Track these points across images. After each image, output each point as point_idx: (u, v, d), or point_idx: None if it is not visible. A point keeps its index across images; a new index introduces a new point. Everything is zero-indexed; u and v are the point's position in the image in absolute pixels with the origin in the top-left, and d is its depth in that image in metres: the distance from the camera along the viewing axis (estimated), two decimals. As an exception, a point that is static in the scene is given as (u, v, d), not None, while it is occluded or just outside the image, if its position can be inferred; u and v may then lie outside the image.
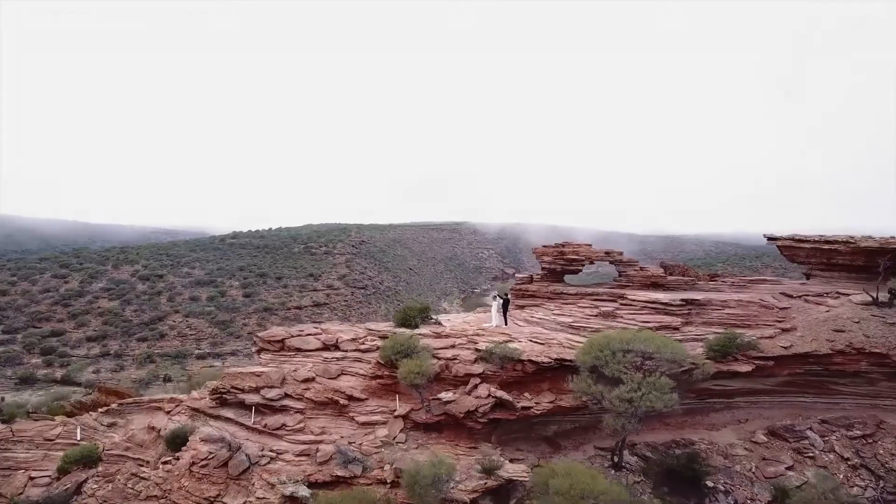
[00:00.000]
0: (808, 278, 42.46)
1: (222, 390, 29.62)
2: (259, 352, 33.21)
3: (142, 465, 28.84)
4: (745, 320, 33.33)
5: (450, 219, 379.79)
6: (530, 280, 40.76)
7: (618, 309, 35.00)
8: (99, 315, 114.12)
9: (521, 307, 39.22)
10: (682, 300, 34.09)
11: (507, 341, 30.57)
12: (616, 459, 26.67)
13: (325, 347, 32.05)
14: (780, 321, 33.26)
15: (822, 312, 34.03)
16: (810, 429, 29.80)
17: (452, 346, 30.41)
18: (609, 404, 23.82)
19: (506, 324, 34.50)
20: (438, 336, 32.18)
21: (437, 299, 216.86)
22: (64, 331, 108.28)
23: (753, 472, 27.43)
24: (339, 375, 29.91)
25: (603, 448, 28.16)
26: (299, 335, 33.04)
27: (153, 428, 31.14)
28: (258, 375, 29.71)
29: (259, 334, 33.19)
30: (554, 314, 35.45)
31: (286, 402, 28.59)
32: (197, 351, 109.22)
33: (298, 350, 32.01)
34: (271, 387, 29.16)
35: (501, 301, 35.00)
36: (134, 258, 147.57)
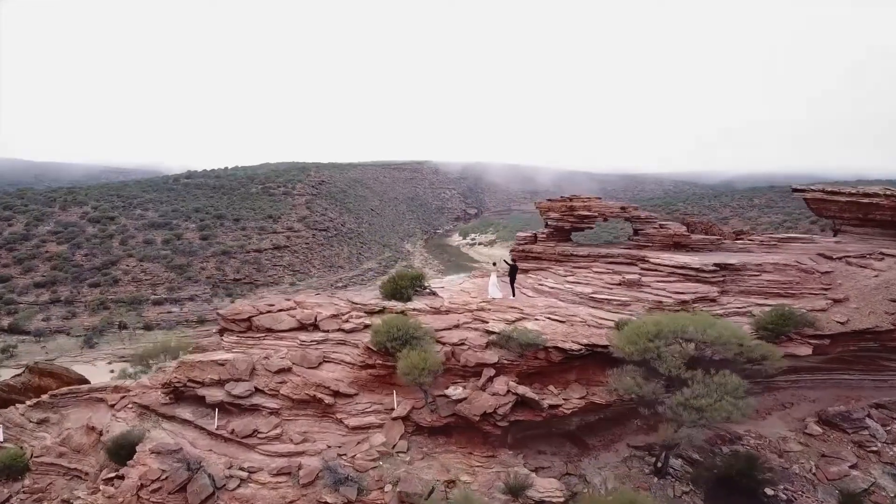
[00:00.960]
0: (835, 234, 38.35)
1: (177, 384, 24.18)
2: (221, 332, 27.70)
3: (79, 479, 23.49)
4: (787, 288, 28.96)
5: (411, 157, 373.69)
6: (534, 239, 35.64)
7: (642, 276, 30.27)
8: (47, 260, 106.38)
9: (525, 271, 34.22)
10: (715, 265, 29.48)
11: (519, 318, 25.67)
12: (660, 465, 22.30)
13: (302, 327, 26.70)
14: (826, 289, 28.98)
15: (871, 278, 29.84)
16: (868, 416, 25.92)
17: (457, 326, 25.39)
18: (670, 412, 19.18)
19: (513, 295, 29.53)
20: (437, 312, 27.09)
21: (401, 240, 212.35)
22: (9, 276, 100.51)
23: (814, 474, 23.45)
24: (320, 364, 24.69)
25: (638, 447, 23.78)
26: (269, 311, 27.56)
27: (93, 428, 25.65)
28: (221, 364, 24.31)
29: (221, 311, 27.55)
30: (568, 282, 30.54)
31: (257, 399, 23.35)
32: (153, 296, 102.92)
33: (269, 331, 26.60)
34: (238, 380, 23.82)
35: (508, 266, 29.94)
36: (83, 199, 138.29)
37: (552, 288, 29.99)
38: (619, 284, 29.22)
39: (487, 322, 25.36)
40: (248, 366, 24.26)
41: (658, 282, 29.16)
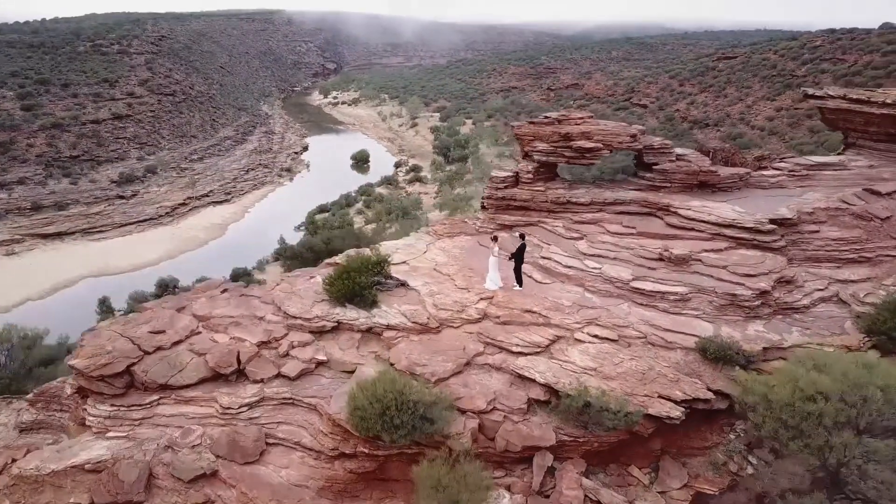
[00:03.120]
0: (845, 147, 32.32)
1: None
2: (82, 396, 17.30)
3: None
4: (858, 250, 22.43)
5: (260, 6, 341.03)
6: (515, 181, 26.44)
7: (675, 237, 22.59)
8: None
9: (508, 227, 25.44)
10: (771, 220, 22.23)
11: (553, 340, 17.45)
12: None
13: (218, 376, 16.94)
14: (901, 246, 22.79)
15: (941, 224, 23.99)
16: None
17: (467, 365, 16.80)
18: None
19: (520, 284, 20.88)
20: (426, 330, 18.27)
21: (257, 102, 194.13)
22: None
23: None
24: (262, 454, 15.38)
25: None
26: (160, 349, 17.36)
27: None
28: (93, 472, 14.47)
29: (74, 362, 16.77)
30: (586, 254, 22.17)
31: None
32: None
33: (166, 388, 16.61)
34: (127, 505, 14.13)
35: (518, 244, 20.96)
36: None
37: (569, 267, 21.59)
38: (659, 259, 21.34)
39: (516, 357, 16.92)
40: (142, 473, 14.52)
41: (707, 251, 21.54)
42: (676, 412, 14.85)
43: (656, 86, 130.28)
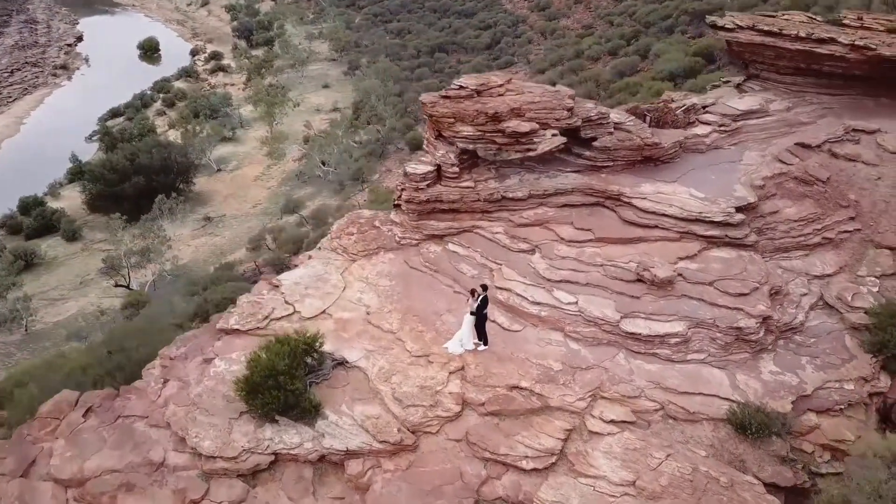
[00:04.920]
0: (748, 78, 30.53)
1: None
2: None
3: None
4: (820, 230, 20.85)
5: None
6: (437, 176, 21.24)
7: (641, 238, 19.48)
8: None
9: (439, 237, 20.69)
10: (737, 209, 19.81)
11: (568, 437, 13.97)
12: None
13: None
14: (852, 217, 21.51)
15: (874, 179, 23.04)
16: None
17: (476, 506, 12.78)
18: None
19: (485, 342, 16.61)
20: (398, 449, 14.04)
21: None
22: None
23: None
24: None
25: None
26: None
27: None
28: None
29: None
30: (546, 278, 18.23)
31: None
32: None
33: None
34: None
35: (476, 301, 16.33)
36: None
37: (538, 304, 17.55)
38: (639, 281, 18.05)
39: (529, 475, 13.24)
40: None
41: (683, 260, 18.69)
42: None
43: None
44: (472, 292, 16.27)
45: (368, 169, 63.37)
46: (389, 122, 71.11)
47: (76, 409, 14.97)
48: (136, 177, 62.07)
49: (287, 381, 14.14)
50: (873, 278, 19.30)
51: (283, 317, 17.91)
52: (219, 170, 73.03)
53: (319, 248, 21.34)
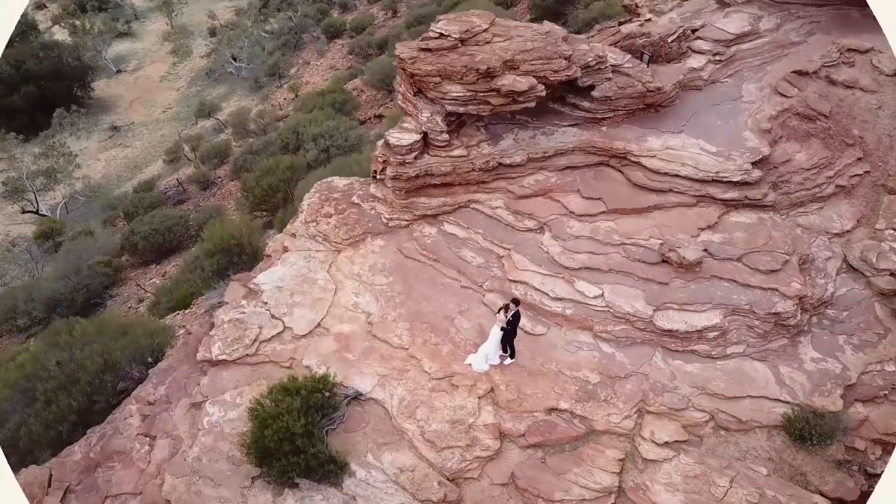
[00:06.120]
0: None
1: None
2: None
3: None
4: (831, 178, 19.73)
5: None
6: (423, 145, 18.42)
7: (657, 205, 17.82)
8: None
9: (432, 217, 18.30)
10: (753, 164, 18.33)
11: (621, 469, 12.86)
12: None
13: None
14: (860, 158, 20.46)
15: (874, 109, 21.93)
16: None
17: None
18: None
19: (511, 355, 14.90)
20: (445, 508, 12.35)
21: None
22: None
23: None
24: None
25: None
26: None
27: None
28: None
29: None
30: (562, 265, 16.39)
31: None
32: None
33: None
34: None
35: (506, 316, 14.38)
36: None
37: (559, 300, 15.73)
38: (664, 262, 16.48)
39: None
40: None
41: (704, 230, 17.23)
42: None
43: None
44: (505, 308, 14.29)
45: (284, 63, 59.34)
46: (302, 9, 66.46)
47: (51, 494, 12.57)
48: (25, 86, 56.38)
49: (306, 445, 12.16)
50: (892, 231, 18.47)
51: (272, 337, 15.54)
52: (118, 71, 66.56)
53: (294, 236, 18.56)
